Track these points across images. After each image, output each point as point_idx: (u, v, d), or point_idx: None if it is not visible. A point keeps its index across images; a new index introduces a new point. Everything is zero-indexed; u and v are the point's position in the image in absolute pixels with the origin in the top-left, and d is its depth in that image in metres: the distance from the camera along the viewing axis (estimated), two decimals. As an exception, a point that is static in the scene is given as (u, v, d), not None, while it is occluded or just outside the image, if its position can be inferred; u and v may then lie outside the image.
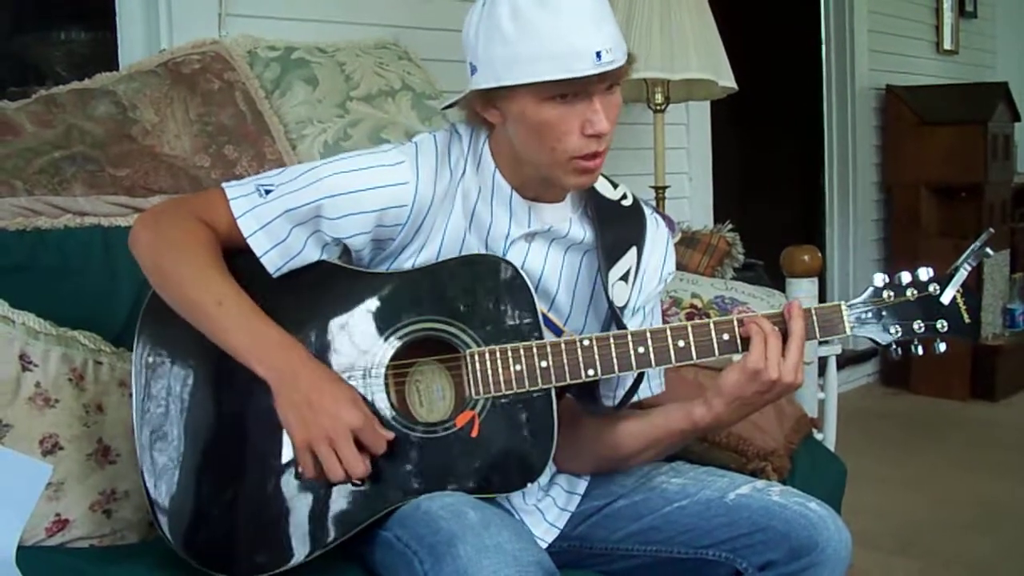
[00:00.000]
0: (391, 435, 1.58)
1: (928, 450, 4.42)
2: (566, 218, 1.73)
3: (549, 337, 1.69)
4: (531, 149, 1.62)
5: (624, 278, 1.75)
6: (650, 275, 1.81)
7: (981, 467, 4.16)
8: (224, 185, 1.67)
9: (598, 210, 1.75)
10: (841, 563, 1.61)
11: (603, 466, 1.81)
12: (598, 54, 1.52)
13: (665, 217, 2.54)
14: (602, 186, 1.76)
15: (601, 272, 1.72)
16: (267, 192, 1.64)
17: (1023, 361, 5.34)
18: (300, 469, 1.57)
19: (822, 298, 3.33)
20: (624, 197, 1.81)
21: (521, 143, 1.63)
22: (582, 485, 1.82)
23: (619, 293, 1.74)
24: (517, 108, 1.58)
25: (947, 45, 6.10)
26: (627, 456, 1.77)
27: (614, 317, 1.71)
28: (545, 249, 1.74)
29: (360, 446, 1.55)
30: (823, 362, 2.89)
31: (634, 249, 1.77)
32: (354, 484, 1.58)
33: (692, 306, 2.54)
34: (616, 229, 1.76)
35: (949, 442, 4.54)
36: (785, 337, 1.63)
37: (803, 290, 2.75)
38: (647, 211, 1.84)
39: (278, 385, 1.54)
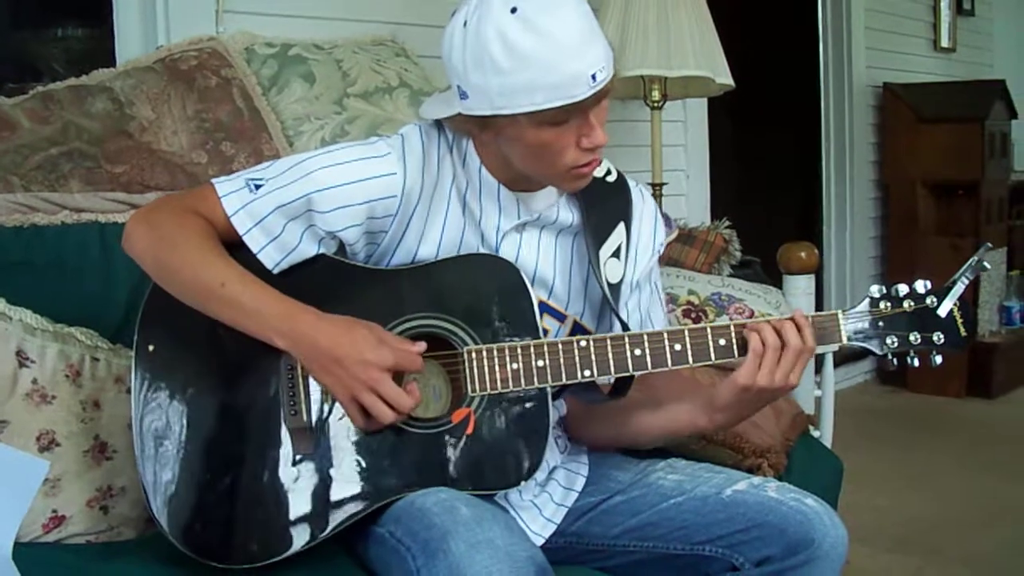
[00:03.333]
0: (422, 346, 1.59)
1: (925, 447, 4.43)
2: (553, 204, 1.75)
3: (551, 323, 1.71)
4: (529, 165, 1.64)
5: (616, 255, 1.77)
6: (643, 247, 1.84)
7: (977, 464, 4.16)
8: (214, 181, 1.67)
9: (583, 190, 1.75)
10: (837, 559, 1.61)
11: (616, 441, 1.87)
12: (593, 76, 1.53)
13: (662, 215, 2.54)
14: None
15: (590, 253, 1.74)
16: (257, 187, 1.64)
17: (1019, 358, 5.35)
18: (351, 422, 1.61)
19: (819, 295, 3.33)
20: (608, 173, 1.82)
21: (517, 159, 1.64)
22: (579, 481, 1.82)
23: (612, 270, 1.76)
24: (513, 132, 1.58)
25: (944, 43, 6.11)
26: (636, 436, 1.83)
27: (606, 298, 1.73)
28: (537, 237, 1.75)
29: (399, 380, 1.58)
30: (820, 360, 2.89)
31: (622, 224, 1.79)
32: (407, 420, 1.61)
33: (688, 303, 2.54)
34: (602, 207, 1.78)
35: (946, 439, 4.54)
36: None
37: (800, 287, 2.76)
38: (631, 184, 1.86)
39: (301, 354, 1.57)
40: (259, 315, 1.57)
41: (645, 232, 1.85)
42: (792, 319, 1.65)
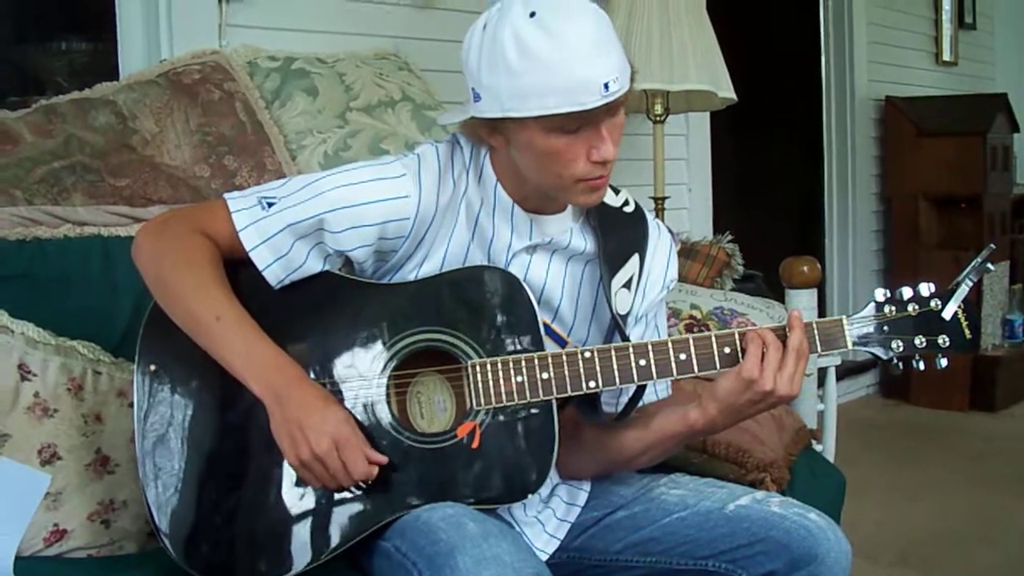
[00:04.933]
0: (383, 459, 1.57)
1: (928, 461, 4.42)
2: (567, 229, 1.73)
3: (552, 348, 1.69)
4: (537, 173, 1.62)
5: (627, 286, 1.75)
6: (653, 282, 1.81)
7: (981, 478, 4.15)
8: (226, 196, 1.66)
9: (600, 218, 1.75)
10: (841, 573, 1.60)
11: (604, 470, 1.82)
12: (606, 85, 1.52)
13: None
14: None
15: (603, 281, 1.72)
16: (269, 205, 1.63)
17: (1022, 372, 5.34)
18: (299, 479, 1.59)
19: (821, 309, 3.33)
20: (626, 203, 1.81)
21: (526, 167, 1.62)
22: (582, 496, 1.82)
23: (622, 301, 1.74)
24: (523, 137, 1.57)
25: (946, 56, 6.12)
26: (627, 460, 1.78)
27: (616, 326, 1.71)
28: (547, 261, 1.74)
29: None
30: (822, 373, 2.89)
31: (636, 256, 1.77)
32: (354, 488, 1.59)
33: (691, 317, 2.54)
34: (618, 237, 1.76)
35: (949, 453, 4.53)
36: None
37: (802, 301, 2.75)
38: (649, 217, 1.84)
39: (271, 405, 1.55)
40: (245, 357, 1.56)
41: (657, 266, 1.82)
42: (789, 322, 1.64)
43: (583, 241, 1.75)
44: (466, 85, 1.62)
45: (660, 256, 1.83)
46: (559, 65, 1.50)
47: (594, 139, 1.56)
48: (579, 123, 1.54)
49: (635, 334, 1.80)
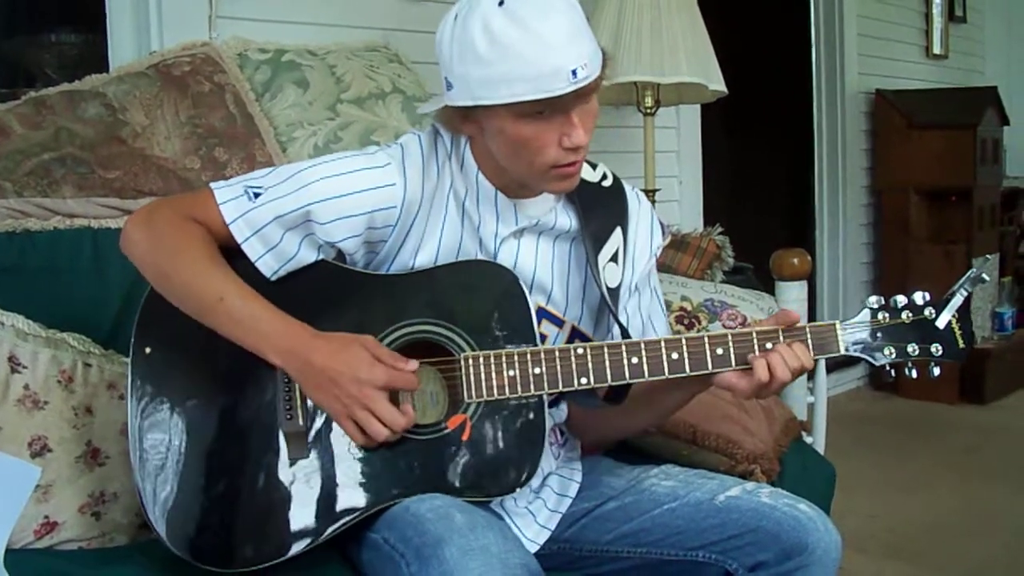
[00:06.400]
0: (414, 364, 1.58)
1: (918, 453, 4.43)
2: (550, 209, 1.75)
3: (551, 329, 1.72)
4: (510, 161, 1.63)
5: (614, 259, 1.77)
6: (640, 251, 1.84)
7: (971, 470, 4.17)
8: (212, 186, 1.66)
9: (580, 195, 1.76)
10: (831, 564, 1.61)
11: (610, 443, 1.91)
12: (573, 72, 1.53)
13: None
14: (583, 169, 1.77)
15: (589, 258, 1.74)
16: (256, 195, 1.63)
17: (1012, 364, 5.37)
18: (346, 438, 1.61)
19: (811, 302, 3.34)
20: (604, 177, 1.83)
21: (500, 154, 1.64)
22: (573, 487, 1.82)
23: (611, 275, 1.76)
24: (495, 124, 1.59)
25: (936, 49, 6.12)
26: (634, 432, 1.88)
27: (606, 303, 1.73)
28: (535, 243, 1.75)
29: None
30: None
31: (619, 230, 1.80)
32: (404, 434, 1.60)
33: (681, 309, 2.55)
34: (599, 213, 1.78)
35: (939, 445, 4.55)
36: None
37: (792, 293, 2.76)
38: (628, 188, 1.87)
39: (296, 371, 1.57)
40: (255, 331, 1.57)
41: (642, 236, 1.85)
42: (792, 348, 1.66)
43: (567, 219, 1.77)
44: (440, 75, 1.63)
45: (643, 226, 1.86)
46: (527, 53, 1.52)
47: (565, 126, 1.58)
48: (549, 109, 1.55)
49: (632, 304, 1.83)
